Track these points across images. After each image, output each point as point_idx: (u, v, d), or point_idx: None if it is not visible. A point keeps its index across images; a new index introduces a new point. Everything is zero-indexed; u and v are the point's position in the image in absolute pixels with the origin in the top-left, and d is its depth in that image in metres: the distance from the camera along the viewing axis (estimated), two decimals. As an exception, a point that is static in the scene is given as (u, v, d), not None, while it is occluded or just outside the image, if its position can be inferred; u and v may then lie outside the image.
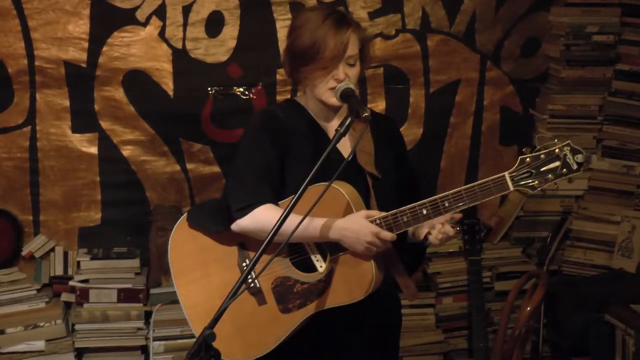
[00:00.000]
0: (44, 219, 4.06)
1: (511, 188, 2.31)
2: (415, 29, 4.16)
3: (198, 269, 2.56)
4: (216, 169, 4.13)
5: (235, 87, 4.07)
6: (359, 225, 2.33)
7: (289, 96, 4.10)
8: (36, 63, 3.92)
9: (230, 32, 4.02)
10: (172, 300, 4.00)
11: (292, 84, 4.09)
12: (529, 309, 3.38)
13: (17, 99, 3.96)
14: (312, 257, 2.44)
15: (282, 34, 4.04)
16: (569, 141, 2.26)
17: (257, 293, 2.49)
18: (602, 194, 4.32)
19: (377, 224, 2.34)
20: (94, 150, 4.04)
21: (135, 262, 4.01)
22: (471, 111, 4.32)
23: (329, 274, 2.42)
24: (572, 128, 4.30)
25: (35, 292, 3.96)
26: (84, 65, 3.95)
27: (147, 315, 4.00)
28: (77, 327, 3.93)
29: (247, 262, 2.48)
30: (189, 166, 4.11)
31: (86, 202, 4.08)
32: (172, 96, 4.04)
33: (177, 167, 4.11)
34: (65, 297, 4.00)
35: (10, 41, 3.89)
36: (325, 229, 2.36)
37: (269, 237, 2.16)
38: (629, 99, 4.25)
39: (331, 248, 2.41)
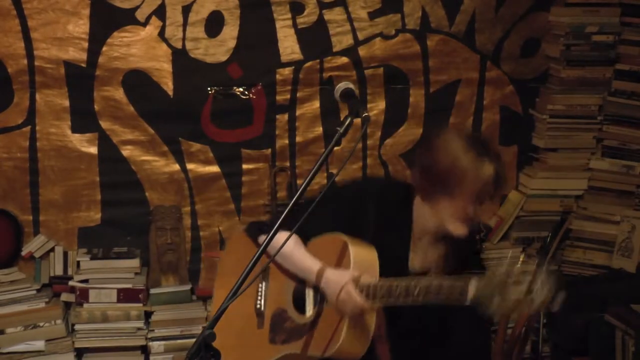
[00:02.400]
0: (43, 219, 4.06)
1: (469, 296, 2.13)
2: (415, 29, 4.16)
3: (234, 277, 2.54)
4: (216, 169, 4.13)
5: (235, 87, 4.07)
6: (341, 280, 2.32)
7: (289, 96, 4.10)
8: (36, 63, 3.92)
9: (230, 32, 4.02)
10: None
11: (292, 83, 4.10)
12: (529, 309, 3.38)
13: (17, 99, 3.95)
14: (307, 298, 2.46)
15: (282, 33, 4.04)
16: (543, 272, 2.07)
17: (260, 315, 2.52)
18: (602, 194, 4.32)
19: (360, 287, 2.32)
20: (93, 150, 4.04)
21: (135, 262, 4.01)
22: (471, 111, 4.32)
23: (314, 321, 2.42)
24: (572, 128, 4.30)
25: (35, 292, 3.96)
26: (83, 65, 3.95)
27: (147, 315, 4.00)
28: (77, 327, 3.93)
29: (264, 284, 2.51)
30: (188, 166, 4.11)
31: (86, 202, 4.08)
32: (172, 96, 4.04)
33: (177, 167, 4.11)
34: (65, 297, 4.00)
35: (10, 41, 3.89)
36: (321, 274, 2.37)
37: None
38: (629, 99, 4.24)
39: (323, 295, 2.41)
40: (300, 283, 2.48)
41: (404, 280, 2.27)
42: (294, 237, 2.42)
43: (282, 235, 2.22)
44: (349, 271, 2.34)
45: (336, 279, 2.34)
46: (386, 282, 2.30)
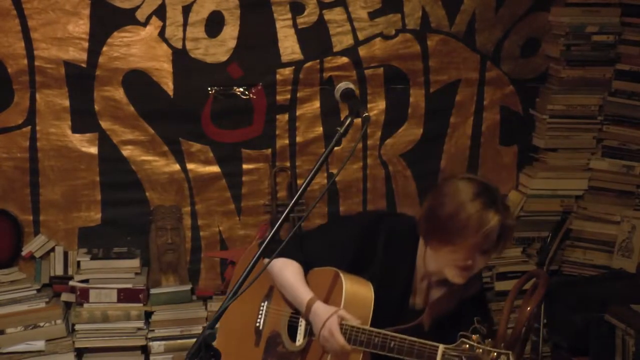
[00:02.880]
0: (44, 219, 4.06)
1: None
2: (415, 29, 4.16)
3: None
4: (216, 169, 4.13)
5: (235, 87, 4.07)
6: (325, 316, 2.32)
7: (289, 96, 4.10)
8: (36, 63, 3.92)
9: (230, 32, 4.02)
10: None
11: (293, 84, 4.10)
12: (529, 309, 3.37)
13: (17, 99, 3.95)
14: (299, 328, 2.47)
15: (282, 33, 4.04)
16: (510, 354, 2.13)
17: (257, 334, 2.54)
18: (602, 194, 4.32)
19: (343, 328, 2.31)
20: (94, 150, 4.04)
21: (135, 262, 4.01)
22: (471, 111, 4.32)
23: (304, 350, 2.43)
24: (572, 128, 4.30)
25: (35, 292, 3.96)
26: (84, 65, 3.95)
27: (147, 315, 4.00)
28: (77, 327, 3.93)
29: (266, 304, 2.53)
30: (189, 166, 4.11)
31: (86, 202, 4.08)
32: (172, 96, 4.04)
33: (177, 167, 4.11)
34: (65, 297, 4.00)
35: (10, 41, 3.89)
36: (311, 306, 2.38)
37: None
38: (629, 99, 4.25)
39: (313, 331, 2.42)
40: (297, 311, 2.48)
41: (383, 332, 2.28)
42: (296, 266, 2.43)
43: (283, 262, 2.34)
44: (337, 308, 2.34)
45: (322, 314, 2.34)
46: (367, 329, 2.30)
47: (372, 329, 2.31)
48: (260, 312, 2.55)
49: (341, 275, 2.39)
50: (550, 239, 4.32)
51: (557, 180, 4.32)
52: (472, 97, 4.30)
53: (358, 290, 2.38)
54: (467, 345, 2.13)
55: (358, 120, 2.32)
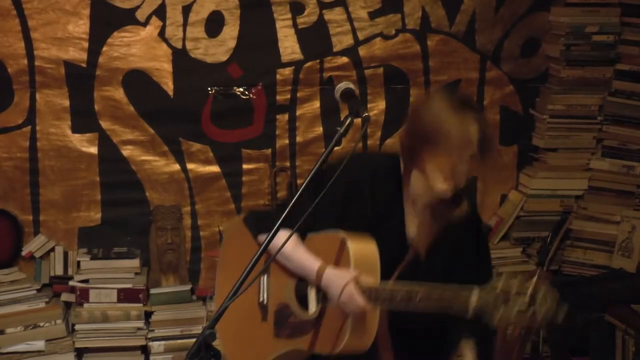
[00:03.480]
0: (44, 219, 4.06)
1: (472, 306, 2.11)
2: (415, 29, 4.16)
3: (238, 268, 2.48)
4: (216, 169, 4.13)
5: (235, 87, 4.07)
6: (341, 281, 2.30)
7: (289, 96, 4.10)
8: (36, 63, 3.92)
9: (230, 32, 4.02)
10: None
11: (293, 84, 4.10)
12: (528, 309, 3.38)
13: (17, 99, 3.96)
14: (310, 296, 2.45)
15: (282, 33, 4.05)
16: (546, 284, 2.06)
17: (262, 309, 2.51)
18: (602, 194, 4.32)
19: (363, 290, 2.30)
20: (93, 150, 4.04)
21: (135, 262, 4.01)
22: (471, 111, 4.31)
23: (318, 317, 2.42)
24: (572, 128, 4.30)
25: (35, 292, 3.96)
26: (84, 65, 3.95)
27: (147, 315, 4.00)
28: (77, 327, 3.93)
29: (266, 277, 2.50)
30: (188, 166, 4.11)
31: (86, 202, 4.08)
32: (172, 96, 4.04)
33: (177, 167, 4.11)
34: (65, 297, 4.00)
35: (10, 41, 3.89)
36: (320, 273, 2.36)
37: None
38: (629, 99, 4.25)
39: (325, 296, 2.41)
40: (302, 280, 2.47)
41: (406, 286, 2.26)
42: (293, 236, 2.41)
43: (282, 234, 2.20)
44: (349, 271, 2.33)
45: (337, 280, 2.33)
46: (388, 287, 2.30)
47: (392, 286, 2.29)
48: (261, 286, 2.52)
49: (344, 236, 2.36)
50: (550, 239, 4.32)
51: (557, 180, 4.32)
52: (472, 97, 4.30)
53: (363, 249, 2.37)
54: (501, 283, 2.08)
55: (358, 120, 2.32)
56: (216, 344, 2.00)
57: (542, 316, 2.02)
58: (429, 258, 2.43)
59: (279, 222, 2.13)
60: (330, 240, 2.39)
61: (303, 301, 2.46)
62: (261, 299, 2.51)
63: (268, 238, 2.12)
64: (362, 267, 2.35)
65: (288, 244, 2.24)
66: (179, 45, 4.00)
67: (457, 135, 2.28)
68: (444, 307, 2.19)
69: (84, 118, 4.01)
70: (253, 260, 2.08)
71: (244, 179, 4.16)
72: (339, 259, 2.38)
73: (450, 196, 2.36)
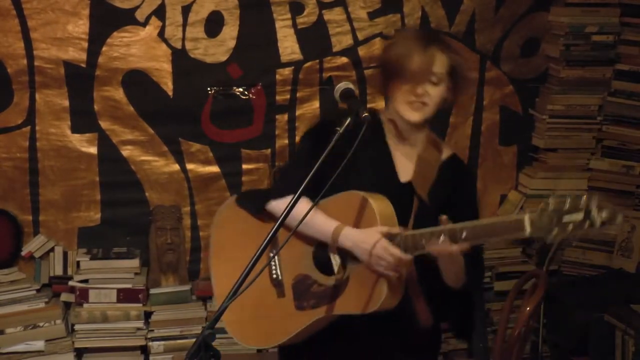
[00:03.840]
0: (43, 219, 4.06)
1: (527, 232, 2.14)
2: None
3: (236, 250, 2.52)
4: (216, 169, 4.13)
5: (234, 87, 4.07)
6: (370, 238, 2.32)
7: (288, 96, 4.11)
8: (36, 63, 3.92)
9: (230, 32, 4.02)
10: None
11: (292, 84, 4.10)
12: (528, 309, 3.38)
13: (16, 99, 3.96)
14: (332, 260, 2.44)
15: (281, 33, 4.05)
16: (597, 195, 2.11)
17: (278, 285, 2.49)
18: (601, 194, 4.32)
19: (396, 243, 2.32)
20: (93, 150, 4.04)
21: (135, 262, 4.01)
22: (471, 111, 4.32)
23: (345, 280, 2.41)
24: (571, 128, 4.30)
25: (34, 292, 3.96)
26: (83, 65, 3.95)
27: (147, 315, 4.00)
28: (76, 327, 3.93)
29: (274, 251, 2.47)
30: (188, 166, 4.11)
31: (86, 202, 4.08)
32: (172, 96, 4.04)
33: (177, 167, 4.11)
34: (64, 297, 4.00)
35: (10, 41, 3.89)
36: (339, 233, 2.37)
37: (275, 227, 2.14)
38: (629, 99, 4.25)
39: (351, 256, 2.40)
40: (320, 247, 2.45)
41: (446, 226, 2.27)
42: (307, 202, 2.41)
43: (287, 200, 2.26)
44: (376, 227, 2.33)
45: (365, 238, 2.33)
46: (424, 230, 2.31)
47: (423, 230, 2.31)
48: (272, 262, 2.49)
49: (364, 195, 2.38)
50: (550, 239, 4.31)
51: (557, 180, 4.32)
52: (472, 97, 4.30)
53: (383, 206, 2.39)
54: (552, 205, 2.12)
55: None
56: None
57: (599, 226, 2.06)
58: (431, 203, 2.46)
59: (279, 220, 2.14)
60: (348, 201, 2.38)
61: (324, 268, 2.45)
62: (274, 275, 2.48)
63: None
64: (386, 223, 2.37)
65: (300, 209, 2.26)
66: (178, 45, 4.00)
67: (415, 62, 2.36)
68: (493, 238, 2.25)
69: (83, 118, 4.01)
70: (252, 262, 2.09)
71: (243, 179, 4.16)
72: (362, 218, 2.38)
73: (421, 122, 2.42)
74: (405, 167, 2.46)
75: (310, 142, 2.53)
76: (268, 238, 2.12)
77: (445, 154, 2.52)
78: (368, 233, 2.34)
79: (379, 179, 2.38)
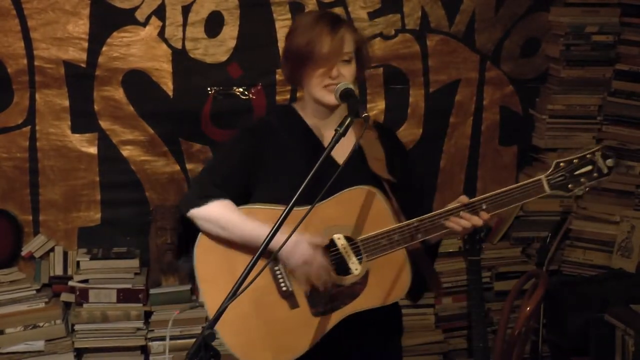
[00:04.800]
0: (43, 219, 4.06)
1: (547, 191, 2.42)
2: (414, 29, 4.16)
3: (226, 275, 2.46)
4: (216, 169, 4.12)
5: (235, 87, 4.07)
6: (296, 249, 2.39)
7: (288, 96, 4.11)
8: (36, 63, 3.92)
9: (230, 32, 4.02)
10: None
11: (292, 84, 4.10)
12: (528, 309, 3.38)
13: (16, 99, 3.96)
14: (347, 259, 2.45)
15: (281, 33, 4.04)
16: (600, 146, 2.39)
17: (289, 297, 2.47)
18: (601, 194, 4.32)
19: (414, 228, 2.39)
20: (93, 150, 4.04)
21: (135, 262, 4.01)
22: (471, 111, 4.32)
23: (365, 276, 2.43)
24: (572, 128, 4.30)
25: (34, 292, 3.96)
26: (83, 65, 3.95)
27: (147, 315, 4.01)
28: (76, 327, 3.93)
29: (280, 266, 2.46)
30: (188, 166, 4.11)
31: (86, 202, 4.08)
32: (172, 96, 4.04)
33: (177, 167, 4.11)
34: (64, 297, 4.00)
35: (10, 41, 3.89)
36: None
37: (265, 242, 2.13)
38: (629, 99, 4.25)
39: (367, 250, 2.43)
40: (330, 249, 2.46)
41: (465, 202, 2.40)
42: (227, 204, 2.46)
43: (214, 205, 2.43)
44: (298, 234, 2.29)
45: (290, 249, 2.36)
46: (442, 210, 2.40)
47: (442, 210, 2.41)
48: (279, 275, 2.47)
49: (369, 189, 2.43)
50: (550, 239, 4.32)
51: (557, 180, 4.32)
52: (472, 97, 4.30)
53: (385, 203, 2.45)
54: (563, 163, 2.40)
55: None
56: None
57: (606, 172, 2.39)
58: (396, 178, 2.52)
59: (279, 220, 2.14)
60: (359, 195, 2.42)
61: (338, 269, 2.45)
62: (284, 288, 2.47)
63: (280, 218, 2.15)
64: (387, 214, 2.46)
65: (222, 213, 2.42)
66: (178, 45, 4.00)
67: (327, 45, 2.40)
68: (514, 204, 2.42)
69: (83, 118, 4.01)
70: (249, 266, 2.09)
71: (243, 179, 4.16)
72: (370, 211, 2.43)
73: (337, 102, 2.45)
74: (337, 149, 2.37)
75: (243, 142, 2.55)
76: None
77: (370, 124, 2.54)
78: (290, 244, 2.29)
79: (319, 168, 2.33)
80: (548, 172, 2.41)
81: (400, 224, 2.42)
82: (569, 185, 2.41)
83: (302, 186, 2.17)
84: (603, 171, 2.38)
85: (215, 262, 2.53)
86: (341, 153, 2.38)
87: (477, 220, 2.39)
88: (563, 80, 4.23)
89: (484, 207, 2.38)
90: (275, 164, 2.51)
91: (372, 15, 4.11)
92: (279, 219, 2.15)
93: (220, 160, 2.61)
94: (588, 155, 2.39)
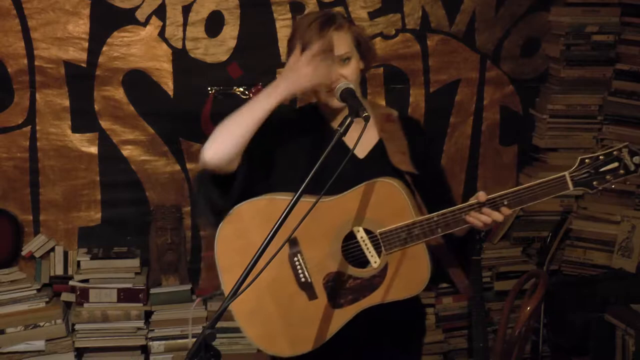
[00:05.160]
0: (44, 219, 4.06)
1: (571, 188, 2.43)
2: (415, 29, 4.16)
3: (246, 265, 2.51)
4: (216, 168, 4.12)
5: (235, 87, 4.07)
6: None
7: (288, 96, 4.10)
8: (36, 63, 3.92)
9: (230, 32, 4.02)
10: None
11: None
12: (529, 309, 3.38)
13: (17, 98, 3.96)
14: (366, 252, 2.44)
15: (282, 33, 4.05)
16: (627, 143, 2.37)
17: (307, 288, 2.46)
18: (602, 194, 4.32)
19: (437, 220, 2.38)
20: (94, 150, 4.04)
21: (135, 262, 4.01)
22: (471, 111, 4.32)
23: (384, 269, 2.43)
24: (572, 128, 4.30)
25: (35, 292, 3.96)
26: (83, 65, 3.95)
27: (147, 315, 4.01)
28: (77, 326, 3.94)
29: (300, 256, 2.45)
30: (188, 166, 4.12)
31: (86, 202, 4.08)
32: (172, 96, 4.04)
33: (177, 167, 4.11)
34: (65, 296, 4.00)
35: (10, 41, 3.89)
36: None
37: (276, 225, 2.13)
38: (629, 99, 4.25)
39: (386, 243, 2.42)
40: (348, 242, 2.45)
41: (486, 197, 2.37)
42: None
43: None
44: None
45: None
46: (462, 205, 2.37)
47: (462, 205, 2.38)
48: (298, 266, 2.46)
49: (388, 180, 2.41)
50: (550, 238, 4.32)
51: (557, 180, 4.32)
52: (472, 97, 4.30)
53: (401, 183, 2.44)
54: (588, 160, 2.41)
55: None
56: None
57: (634, 169, 2.37)
58: (422, 174, 2.50)
59: (278, 221, 2.15)
60: (384, 188, 2.40)
61: (356, 262, 2.45)
62: (303, 279, 2.46)
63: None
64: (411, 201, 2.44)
65: (223, 123, 2.50)
66: (179, 45, 4.00)
67: (323, 42, 2.37)
68: (537, 201, 2.42)
69: (84, 118, 4.01)
70: (250, 265, 2.09)
71: (244, 178, 4.16)
72: (396, 204, 2.42)
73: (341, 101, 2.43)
74: (359, 147, 2.38)
75: (277, 114, 2.54)
76: (269, 238, 2.11)
77: (393, 114, 2.56)
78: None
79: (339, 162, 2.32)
80: (572, 169, 2.43)
81: (420, 217, 2.40)
82: (594, 182, 2.41)
83: (309, 177, 2.16)
84: (630, 168, 2.36)
85: (236, 253, 2.53)
86: (361, 149, 2.43)
87: (497, 216, 2.36)
88: (563, 80, 4.23)
89: (505, 202, 2.37)
90: (295, 154, 2.50)
91: (373, 15, 4.11)
92: (285, 209, 2.17)
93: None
94: (615, 152, 2.38)
